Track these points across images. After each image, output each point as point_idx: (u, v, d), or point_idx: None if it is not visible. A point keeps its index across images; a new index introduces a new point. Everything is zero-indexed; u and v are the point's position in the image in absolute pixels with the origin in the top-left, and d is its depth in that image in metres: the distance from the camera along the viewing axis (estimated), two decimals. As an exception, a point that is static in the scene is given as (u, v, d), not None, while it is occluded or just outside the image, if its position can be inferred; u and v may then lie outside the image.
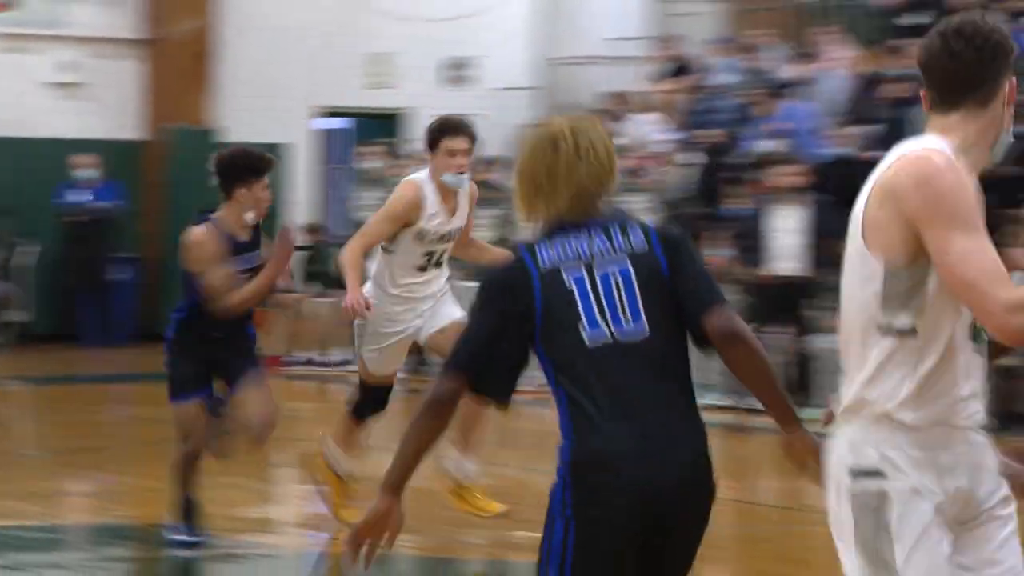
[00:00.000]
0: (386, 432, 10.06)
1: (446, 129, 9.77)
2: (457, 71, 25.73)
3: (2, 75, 23.12)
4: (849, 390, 4.31)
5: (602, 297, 4.87)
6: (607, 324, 4.82)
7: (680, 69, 22.41)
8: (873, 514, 4.17)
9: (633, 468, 4.71)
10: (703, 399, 5.33)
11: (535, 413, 12.28)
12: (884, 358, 4.19)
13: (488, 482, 10.59)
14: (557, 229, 4.94)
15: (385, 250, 10.06)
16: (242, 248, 9.80)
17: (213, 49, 24.00)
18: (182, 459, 9.78)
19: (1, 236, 22.80)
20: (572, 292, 4.81)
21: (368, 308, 9.65)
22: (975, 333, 4.33)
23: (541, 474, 6.27)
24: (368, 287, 10.01)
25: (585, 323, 4.81)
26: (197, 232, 9.52)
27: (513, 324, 4.83)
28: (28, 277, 22.86)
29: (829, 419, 4.50)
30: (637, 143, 20.56)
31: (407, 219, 9.80)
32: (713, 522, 5.02)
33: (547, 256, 4.89)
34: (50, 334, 22.74)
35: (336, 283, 17.00)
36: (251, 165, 9.47)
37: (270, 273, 9.55)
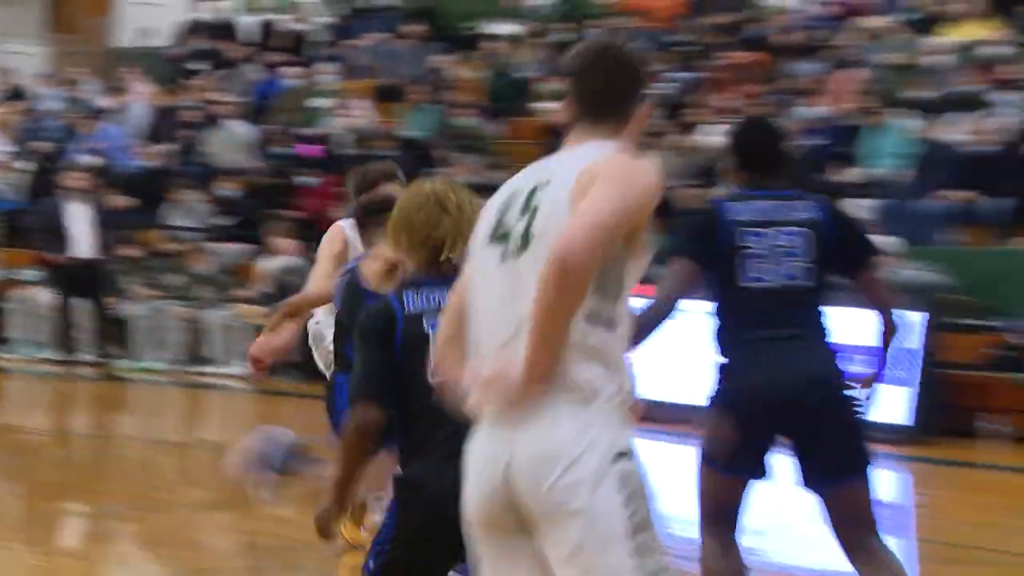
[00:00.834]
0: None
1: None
2: None
3: None
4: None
5: None
6: None
7: (15, 95, 23.89)
8: (635, 492, 3.67)
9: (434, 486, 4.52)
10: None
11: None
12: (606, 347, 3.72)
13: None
14: (422, 281, 4.77)
15: None
16: None
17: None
18: None
19: None
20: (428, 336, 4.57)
21: None
22: None
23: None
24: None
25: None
26: None
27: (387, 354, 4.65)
28: None
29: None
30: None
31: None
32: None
33: (412, 303, 4.69)
34: None
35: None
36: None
37: None
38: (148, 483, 11.55)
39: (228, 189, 19.84)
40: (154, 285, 18.84)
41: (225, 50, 23.64)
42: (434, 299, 4.64)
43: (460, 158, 18.28)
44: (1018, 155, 15.23)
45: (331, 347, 7.09)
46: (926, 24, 18.40)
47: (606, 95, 3.85)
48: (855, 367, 5.89)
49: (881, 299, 5.73)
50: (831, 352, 5.51)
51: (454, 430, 4.22)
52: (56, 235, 17.93)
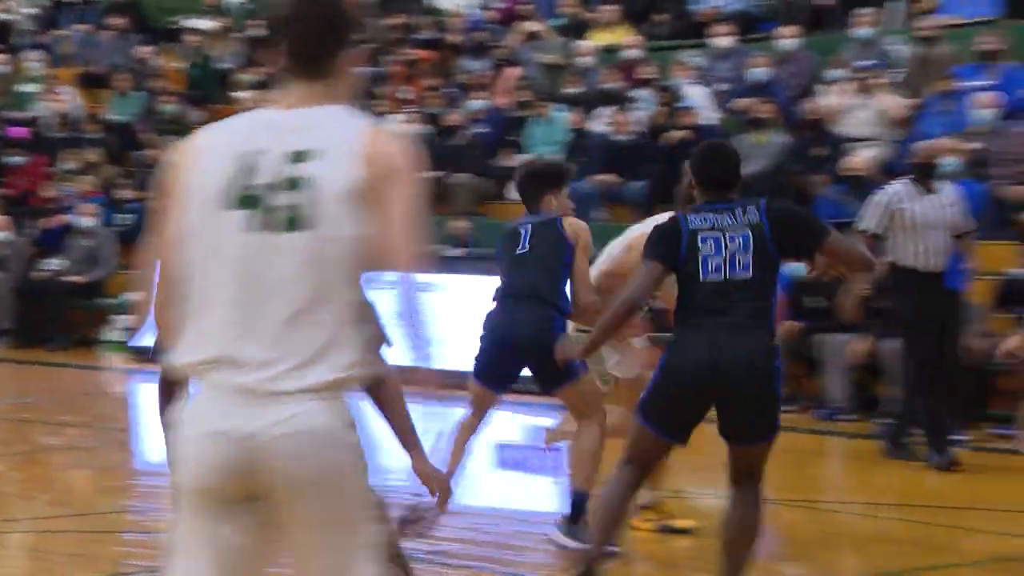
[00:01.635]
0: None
1: None
2: None
3: None
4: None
5: None
6: None
7: None
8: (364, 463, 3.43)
9: None
10: None
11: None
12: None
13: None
14: None
15: None
16: None
17: None
18: None
19: None
20: None
21: None
22: None
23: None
24: None
25: None
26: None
27: None
28: None
29: None
30: None
31: None
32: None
33: None
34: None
35: None
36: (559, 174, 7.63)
37: None
38: None
39: (-59, 167, 19.19)
40: None
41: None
42: None
43: (163, 141, 18.25)
44: (651, 143, 15.80)
45: None
46: (576, 29, 18.97)
47: (322, 43, 3.43)
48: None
49: (850, 261, 6.22)
50: (766, 336, 5.83)
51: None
52: None
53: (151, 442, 10.15)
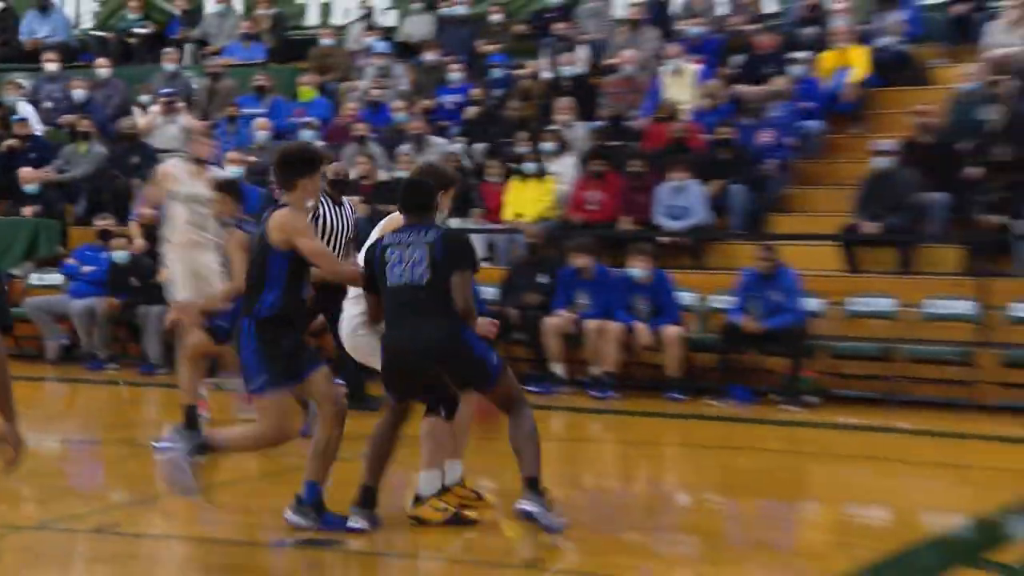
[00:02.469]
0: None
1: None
2: None
3: None
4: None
5: None
6: None
7: None
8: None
9: None
10: None
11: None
12: None
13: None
14: None
15: None
16: None
17: None
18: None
19: None
20: None
21: None
22: None
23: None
24: None
25: None
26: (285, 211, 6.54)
27: None
28: None
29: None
30: None
31: None
32: None
33: None
34: None
35: None
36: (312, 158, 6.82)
37: None
38: None
39: None
40: None
41: None
42: None
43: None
44: None
45: None
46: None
47: None
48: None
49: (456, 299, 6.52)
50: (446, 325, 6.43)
51: None
52: None
53: None
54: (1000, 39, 14.58)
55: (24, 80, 18.06)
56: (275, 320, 6.30)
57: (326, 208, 9.16)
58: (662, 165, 13.74)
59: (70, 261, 14.39)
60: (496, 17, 17.47)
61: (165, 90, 16.77)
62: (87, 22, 20.39)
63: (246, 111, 16.35)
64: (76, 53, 19.23)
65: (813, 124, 14.54)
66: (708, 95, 14.68)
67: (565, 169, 14.33)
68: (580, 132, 14.89)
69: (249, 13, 18.95)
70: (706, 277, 12.99)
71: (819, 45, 15.33)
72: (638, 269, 11.89)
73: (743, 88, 14.93)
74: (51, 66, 17.84)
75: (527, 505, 6.55)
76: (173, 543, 6.58)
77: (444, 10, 18.11)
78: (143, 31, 19.14)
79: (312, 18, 19.34)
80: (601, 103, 15.43)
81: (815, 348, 11.65)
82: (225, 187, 8.98)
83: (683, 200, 13.39)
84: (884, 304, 11.89)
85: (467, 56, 17.04)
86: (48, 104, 17.54)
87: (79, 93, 17.07)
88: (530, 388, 11.96)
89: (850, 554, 6.57)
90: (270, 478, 7.96)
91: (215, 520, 7.04)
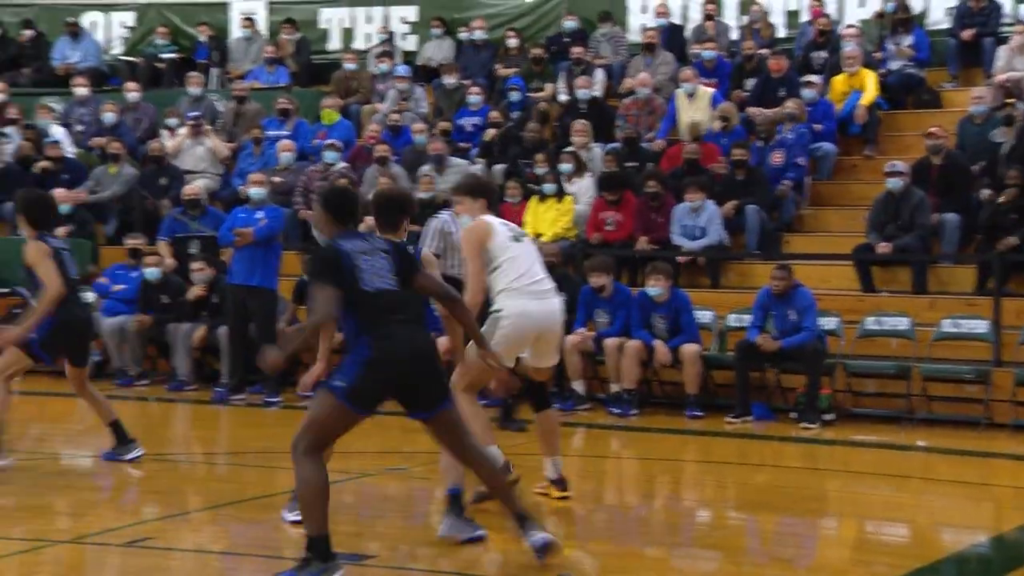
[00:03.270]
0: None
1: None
2: None
3: None
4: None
5: None
6: None
7: None
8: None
9: None
10: None
11: None
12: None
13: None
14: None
15: None
16: None
17: None
18: None
19: None
20: None
21: None
22: None
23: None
24: None
25: None
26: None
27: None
28: None
29: None
30: None
31: None
32: None
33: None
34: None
35: None
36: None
37: None
38: None
39: None
40: None
41: None
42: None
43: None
44: (21, 171, 16.19)
45: None
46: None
47: None
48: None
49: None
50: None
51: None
52: None
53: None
54: (1008, 63, 14.53)
55: (56, 104, 18.14)
56: None
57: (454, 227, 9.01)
58: (678, 186, 13.69)
59: (101, 280, 14.34)
60: (513, 41, 17.47)
61: (192, 113, 16.79)
62: (117, 48, 20.44)
63: (270, 133, 16.34)
64: (106, 77, 19.33)
65: (826, 146, 14.48)
66: (722, 117, 14.63)
67: (583, 190, 14.28)
68: (597, 153, 14.85)
69: (273, 38, 18.99)
70: (723, 296, 12.92)
71: (831, 69, 15.27)
72: (656, 288, 11.82)
73: (756, 111, 14.88)
74: (82, 90, 17.90)
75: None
76: (204, 557, 6.52)
77: (463, 35, 18.14)
78: (171, 56, 19.17)
79: (334, 43, 19.36)
80: (617, 125, 15.40)
81: (832, 366, 11.55)
82: (21, 203, 8.66)
83: (700, 220, 13.33)
84: (900, 323, 11.79)
85: (486, 79, 17.05)
86: (79, 127, 17.59)
87: (109, 116, 17.11)
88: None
89: (868, 571, 6.50)
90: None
91: (244, 534, 6.98)
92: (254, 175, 13.35)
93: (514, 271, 7.13)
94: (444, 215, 9.37)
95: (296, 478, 5.79)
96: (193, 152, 16.45)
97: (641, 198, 13.68)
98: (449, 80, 16.86)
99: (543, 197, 13.99)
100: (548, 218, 13.95)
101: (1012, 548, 7.15)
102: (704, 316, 12.32)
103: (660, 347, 11.75)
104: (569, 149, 14.67)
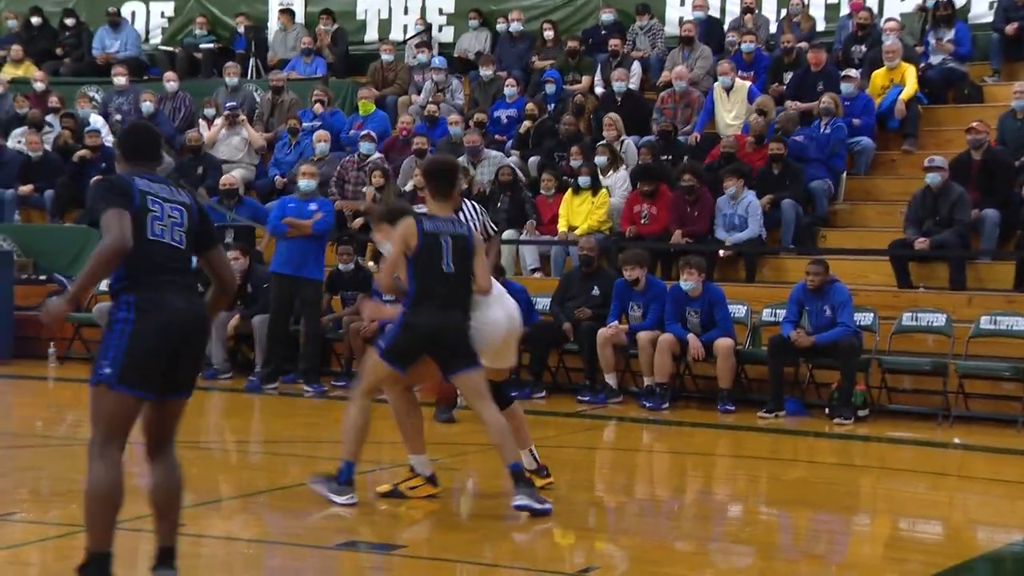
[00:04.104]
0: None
1: None
2: None
3: None
4: None
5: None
6: None
7: None
8: None
9: None
10: None
11: None
12: None
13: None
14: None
15: None
16: None
17: None
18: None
19: None
20: None
21: None
22: None
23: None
24: None
25: None
26: None
27: None
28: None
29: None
30: None
31: None
32: None
33: None
34: None
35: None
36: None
37: None
38: None
39: None
40: None
41: None
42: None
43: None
44: (59, 159, 16.47)
45: None
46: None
47: None
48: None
49: (220, 276, 5.41)
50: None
51: None
52: None
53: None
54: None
55: (95, 93, 18.20)
56: None
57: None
58: (714, 179, 13.61)
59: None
60: (550, 33, 17.41)
61: (229, 103, 16.84)
62: (156, 37, 20.52)
63: (307, 124, 16.34)
64: (145, 67, 19.39)
65: (864, 140, 14.37)
66: (759, 111, 14.52)
67: (617, 182, 14.23)
68: (631, 146, 14.79)
69: (311, 29, 18.99)
70: (757, 290, 12.84)
71: (870, 63, 15.14)
72: (689, 282, 11.75)
73: (794, 104, 14.78)
74: (121, 80, 18.01)
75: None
76: (236, 545, 6.52)
77: (500, 26, 18.10)
78: (209, 46, 19.23)
79: (371, 34, 19.36)
80: (653, 118, 15.33)
81: (867, 362, 11.45)
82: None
83: (739, 209, 13.25)
84: (936, 319, 11.68)
85: (522, 71, 17.00)
86: (117, 116, 17.69)
87: (147, 106, 17.18)
88: (584, 398, 11.91)
89: (902, 568, 6.43)
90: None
91: (276, 522, 6.98)
92: (304, 166, 13.09)
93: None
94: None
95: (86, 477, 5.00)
96: (229, 142, 16.52)
97: (676, 191, 13.60)
98: (485, 72, 16.82)
99: (578, 190, 13.94)
100: (583, 211, 13.90)
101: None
102: (738, 310, 12.24)
103: (693, 341, 11.68)
104: (604, 142, 14.62)
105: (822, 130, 14.14)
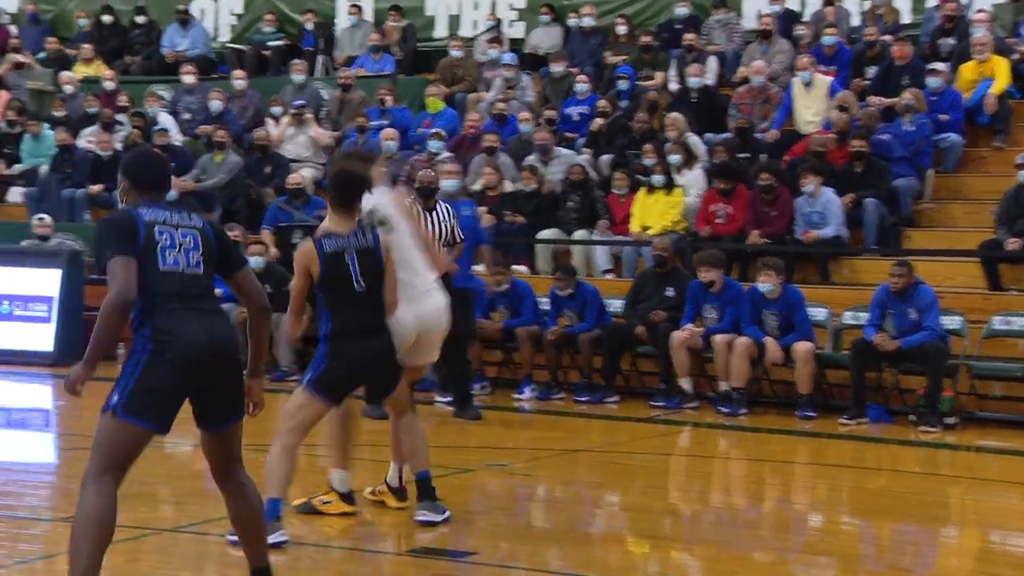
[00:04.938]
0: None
1: None
2: None
3: None
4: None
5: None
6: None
7: None
8: None
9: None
10: None
11: None
12: None
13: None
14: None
15: None
16: None
17: None
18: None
19: None
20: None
21: None
22: None
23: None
24: None
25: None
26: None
27: None
28: None
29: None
30: None
31: None
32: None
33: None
34: None
35: None
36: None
37: None
38: None
39: None
40: None
41: None
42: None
43: None
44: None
45: None
46: (59, 62, 19.99)
47: None
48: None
49: (249, 298, 5.34)
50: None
51: None
52: None
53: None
54: None
55: (164, 92, 18.34)
56: None
57: (440, 210, 9.77)
58: (792, 177, 13.41)
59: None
60: (623, 28, 17.28)
61: (297, 101, 16.90)
62: (224, 35, 20.67)
63: (374, 122, 16.36)
64: (214, 65, 19.53)
65: (952, 137, 14.09)
66: (840, 107, 14.29)
67: (692, 181, 14.07)
68: (702, 145, 14.62)
69: (379, 25, 19.02)
70: (837, 292, 12.63)
71: (959, 56, 14.85)
72: (767, 284, 11.57)
73: (878, 100, 14.53)
74: (189, 78, 18.15)
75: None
76: (300, 549, 6.48)
77: (571, 21, 17.98)
78: (277, 43, 19.33)
79: (441, 30, 19.35)
80: (730, 115, 15.15)
81: (955, 368, 11.21)
82: None
83: (816, 206, 13.04)
84: (1028, 323, 11.41)
85: (594, 67, 16.89)
86: (186, 115, 17.85)
87: (215, 104, 17.30)
88: (657, 403, 11.77)
89: (994, 583, 6.22)
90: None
91: (345, 527, 6.95)
92: (448, 165, 12.61)
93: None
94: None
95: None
96: (296, 140, 16.61)
97: (753, 190, 13.42)
98: (556, 68, 16.72)
99: (651, 189, 13.81)
100: (657, 210, 13.77)
101: None
102: (817, 313, 12.04)
103: (771, 344, 11.51)
104: (678, 139, 14.45)
105: (904, 127, 13.86)
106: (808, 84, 14.82)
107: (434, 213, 9.78)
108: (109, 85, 18.41)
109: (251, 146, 16.57)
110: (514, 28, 18.90)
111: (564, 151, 15.11)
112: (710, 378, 12.13)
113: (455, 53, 17.67)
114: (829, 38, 15.55)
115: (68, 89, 18.74)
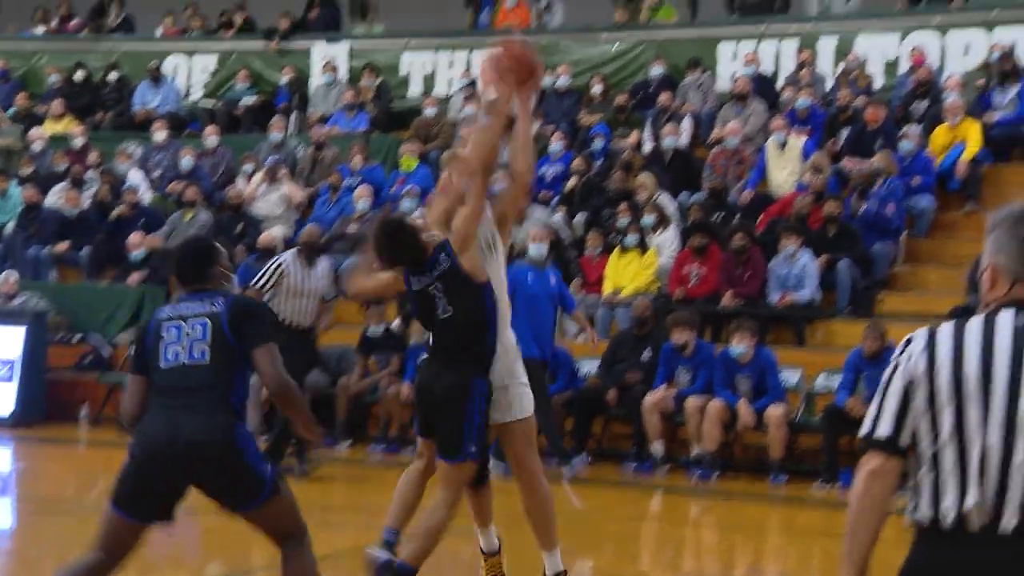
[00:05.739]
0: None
1: None
2: None
3: None
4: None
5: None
6: None
7: None
8: None
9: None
10: None
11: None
12: None
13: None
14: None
15: None
16: None
17: None
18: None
19: None
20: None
21: None
22: None
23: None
24: None
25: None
26: None
27: None
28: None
29: None
30: None
31: None
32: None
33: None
34: None
35: None
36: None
37: None
38: None
39: None
40: None
41: None
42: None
43: None
44: (97, 216, 16.69)
45: None
46: (28, 119, 20.05)
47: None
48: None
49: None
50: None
51: None
52: None
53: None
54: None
55: (135, 148, 18.39)
56: None
57: (293, 269, 10.61)
58: (766, 239, 13.52)
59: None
60: (598, 88, 17.44)
61: (272, 158, 16.98)
62: (197, 92, 20.77)
63: (347, 180, 16.45)
64: (186, 123, 19.59)
65: (924, 200, 14.24)
66: (814, 169, 14.44)
67: (666, 242, 14.17)
68: (675, 206, 14.73)
69: (354, 83, 19.16)
70: (809, 355, 12.69)
71: (931, 120, 15.04)
72: (740, 346, 11.65)
73: (851, 162, 14.69)
74: (160, 135, 18.17)
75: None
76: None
77: (546, 81, 18.11)
78: (250, 101, 19.44)
79: (416, 88, 19.50)
80: (704, 176, 15.29)
81: (926, 432, 11.21)
82: None
83: (794, 269, 13.14)
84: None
85: (569, 126, 17.03)
86: (157, 172, 17.87)
87: (186, 161, 17.36)
88: (629, 466, 11.77)
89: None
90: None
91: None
92: (534, 230, 11.92)
93: None
94: (287, 255, 10.80)
95: None
96: (268, 198, 16.65)
97: (727, 252, 13.52)
98: (531, 128, 16.77)
99: (624, 250, 13.90)
100: (630, 271, 13.85)
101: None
102: (791, 377, 12.10)
103: (744, 408, 11.56)
104: (652, 200, 14.56)
105: (881, 189, 14.00)
106: (783, 145, 14.97)
107: (313, 269, 10.50)
108: (78, 141, 18.45)
109: (223, 204, 16.59)
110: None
111: (538, 210, 15.19)
112: (682, 442, 12.16)
113: (430, 111, 17.79)
114: (803, 100, 15.72)
115: (37, 146, 18.74)
